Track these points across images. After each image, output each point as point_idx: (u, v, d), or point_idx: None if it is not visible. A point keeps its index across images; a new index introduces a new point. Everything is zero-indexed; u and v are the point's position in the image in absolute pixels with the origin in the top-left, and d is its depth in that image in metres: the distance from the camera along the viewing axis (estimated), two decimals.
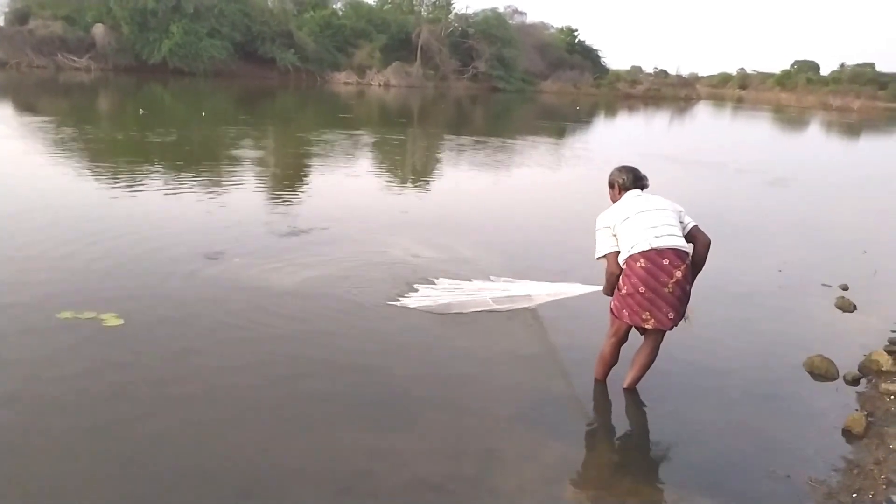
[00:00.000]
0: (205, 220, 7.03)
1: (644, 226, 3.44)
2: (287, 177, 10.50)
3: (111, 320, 4.14)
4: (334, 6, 44.28)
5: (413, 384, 3.77)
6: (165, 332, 4.14)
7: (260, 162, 11.86)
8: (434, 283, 5.17)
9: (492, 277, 5.32)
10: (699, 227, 3.56)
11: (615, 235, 3.54)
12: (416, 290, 5.02)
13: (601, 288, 3.81)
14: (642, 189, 3.69)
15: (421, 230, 7.15)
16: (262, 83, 34.63)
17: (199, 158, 11.45)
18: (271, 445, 3.09)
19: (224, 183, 9.17)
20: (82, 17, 33.30)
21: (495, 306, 4.80)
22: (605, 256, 3.60)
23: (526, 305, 4.82)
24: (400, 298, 4.88)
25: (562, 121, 27.42)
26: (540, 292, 4.82)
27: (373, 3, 47.65)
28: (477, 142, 16.80)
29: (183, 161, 10.92)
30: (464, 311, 4.74)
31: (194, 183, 8.92)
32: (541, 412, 3.63)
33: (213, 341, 4.07)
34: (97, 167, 9.82)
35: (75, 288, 4.70)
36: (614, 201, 3.72)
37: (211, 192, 8.41)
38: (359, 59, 41.37)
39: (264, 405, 3.43)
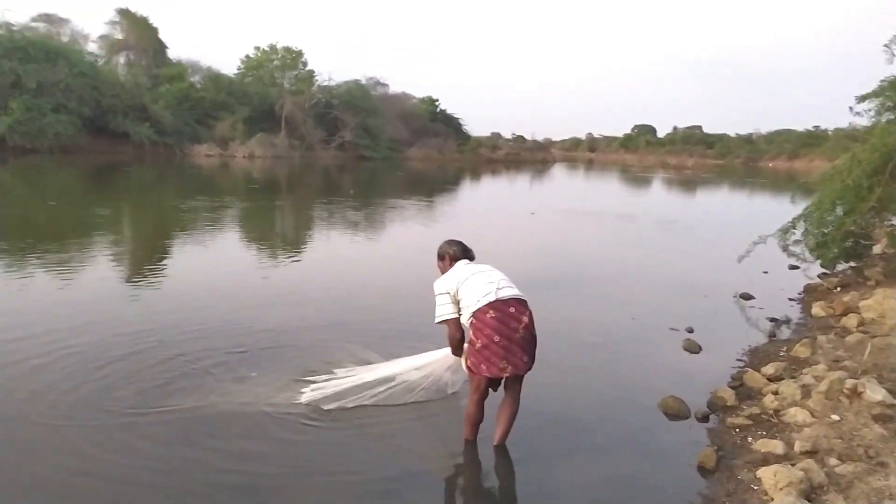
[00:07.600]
0: (57, 311, 6.20)
1: (484, 282, 3.66)
2: (143, 259, 9.90)
3: None
4: (192, 79, 43.39)
5: (280, 460, 3.58)
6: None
7: (117, 241, 11.14)
8: (334, 373, 4.63)
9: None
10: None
11: (457, 300, 3.69)
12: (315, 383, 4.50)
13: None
14: (470, 260, 3.92)
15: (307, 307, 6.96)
16: (114, 158, 32.89)
17: (51, 239, 10.54)
18: None
19: (79, 268, 8.48)
20: None
21: (408, 398, 4.30)
22: (445, 322, 3.74)
23: (449, 392, 4.42)
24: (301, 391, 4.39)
25: (438, 184, 28.12)
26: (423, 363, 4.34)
27: (233, 76, 47.29)
28: (364, 205, 16.81)
29: (33, 242, 10.03)
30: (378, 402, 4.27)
31: (52, 267, 8.19)
32: (415, 478, 3.58)
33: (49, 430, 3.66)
34: None
35: None
36: (443, 272, 3.88)
37: (66, 279, 7.70)
38: (220, 131, 40.63)
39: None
